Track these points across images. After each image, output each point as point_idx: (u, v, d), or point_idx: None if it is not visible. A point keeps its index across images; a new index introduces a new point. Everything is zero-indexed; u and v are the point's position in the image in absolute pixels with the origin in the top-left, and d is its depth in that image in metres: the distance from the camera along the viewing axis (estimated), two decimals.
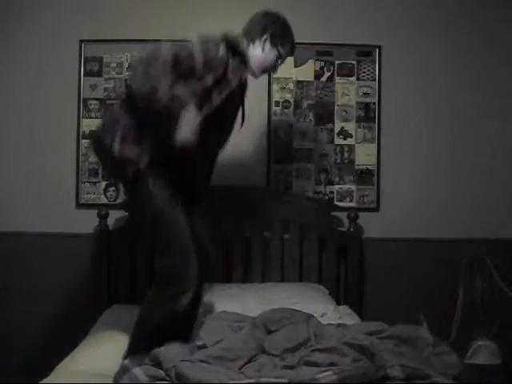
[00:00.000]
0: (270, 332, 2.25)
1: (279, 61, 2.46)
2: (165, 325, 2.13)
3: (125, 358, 2.10)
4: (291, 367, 1.89)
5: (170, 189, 2.21)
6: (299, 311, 2.47)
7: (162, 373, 1.88)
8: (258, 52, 2.39)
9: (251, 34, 2.40)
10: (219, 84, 2.23)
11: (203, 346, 2.05)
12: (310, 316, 2.41)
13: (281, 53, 2.42)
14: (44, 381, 2.00)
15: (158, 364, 1.92)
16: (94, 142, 2.36)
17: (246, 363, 1.95)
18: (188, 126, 2.08)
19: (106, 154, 2.25)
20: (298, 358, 1.95)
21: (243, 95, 2.49)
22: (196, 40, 2.24)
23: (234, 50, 2.29)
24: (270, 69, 2.50)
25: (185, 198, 2.26)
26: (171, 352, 1.95)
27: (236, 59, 2.29)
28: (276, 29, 2.40)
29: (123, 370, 1.90)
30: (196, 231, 2.27)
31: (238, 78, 2.31)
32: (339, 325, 2.34)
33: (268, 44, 2.39)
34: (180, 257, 2.15)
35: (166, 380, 1.85)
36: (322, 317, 2.75)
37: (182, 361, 1.88)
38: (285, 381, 1.77)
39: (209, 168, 2.50)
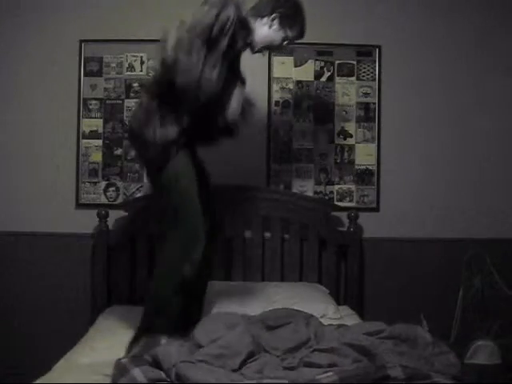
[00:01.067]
0: (268, 328, 2.25)
1: (285, 42, 2.42)
2: (174, 294, 2.24)
3: (138, 333, 2.23)
4: (292, 368, 1.89)
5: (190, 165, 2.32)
6: (299, 311, 2.46)
7: (161, 373, 1.87)
8: (265, 29, 2.36)
9: (261, 10, 2.37)
10: (229, 46, 2.24)
11: (199, 346, 2.05)
12: (310, 316, 2.40)
13: (288, 35, 2.39)
14: (41, 380, 1.99)
15: (156, 363, 1.91)
16: (130, 133, 2.44)
17: (246, 360, 1.95)
18: (236, 104, 2.28)
19: (140, 143, 2.33)
20: (298, 358, 1.95)
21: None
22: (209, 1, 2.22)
23: (240, 14, 2.26)
24: (273, 48, 2.48)
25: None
26: (170, 351, 1.94)
27: (240, 23, 2.28)
28: (287, 9, 2.36)
29: (122, 370, 1.87)
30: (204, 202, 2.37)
31: (242, 42, 2.33)
32: (340, 325, 2.33)
33: (276, 23, 2.36)
34: (191, 232, 2.27)
35: (165, 381, 1.84)
36: (322, 317, 2.76)
37: (182, 361, 1.87)
38: (285, 382, 1.77)
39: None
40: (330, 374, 1.77)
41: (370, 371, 1.78)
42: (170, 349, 1.97)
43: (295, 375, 1.82)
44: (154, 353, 1.95)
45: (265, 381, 1.79)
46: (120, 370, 1.88)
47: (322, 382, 1.74)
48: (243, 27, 2.31)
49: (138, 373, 1.83)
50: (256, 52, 2.46)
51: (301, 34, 2.45)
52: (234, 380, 1.79)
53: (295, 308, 2.64)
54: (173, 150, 2.26)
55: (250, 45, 2.42)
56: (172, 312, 2.26)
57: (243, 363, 1.94)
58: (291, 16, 2.37)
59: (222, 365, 1.89)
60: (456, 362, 2.04)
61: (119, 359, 1.97)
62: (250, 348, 1.99)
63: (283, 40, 2.41)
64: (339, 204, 3.32)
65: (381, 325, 2.24)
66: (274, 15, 2.35)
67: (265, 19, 2.36)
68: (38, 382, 1.96)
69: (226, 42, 2.20)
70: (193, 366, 1.85)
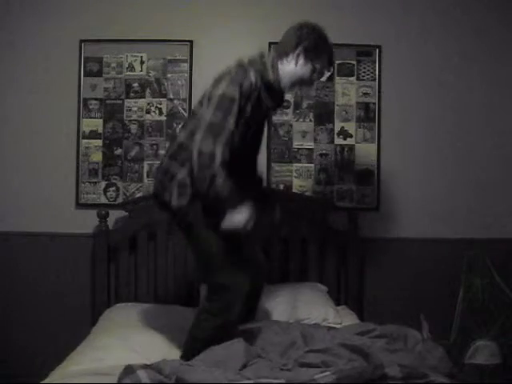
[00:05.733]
0: (257, 332, 2.26)
1: (315, 75, 2.38)
2: (212, 338, 2.17)
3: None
4: (288, 370, 1.89)
5: (221, 233, 2.23)
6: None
7: (163, 378, 1.90)
8: (291, 66, 2.33)
9: (284, 48, 2.33)
10: (254, 110, 2.24)
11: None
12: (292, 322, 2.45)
13: (316, 67, 2.34)
14: (45, 381, 2.00)
15: (159, 371, 1.94)
16: (156, 201, 2.40)
17: (243, 368, 1.97)
18: (240, 217, 2.14)
19: (167, 209, 2.30)
20: (293, 360, 1.95)
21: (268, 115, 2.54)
22: (228, 70, 2.23)
23: (262, 76, 2.26)
24: (304, 84, 2.43)
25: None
26: (171, 362, 1.98)
27: (264, 85, 2.28)
28: (310, 42, 2.31)
29: (128, 371, 1.91)
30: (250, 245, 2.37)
31: (268, 103, 2.31)
32: (330, 327, 2.34)
33: (302, 58, 2.32)
34: (230, 281, 2.19)
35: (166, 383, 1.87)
36: (323, 322, 2.76)
37: (181, 365, 1.91)
38: (283, 381, 1.77)
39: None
40: (327, 373, 1.77)
41: (367, 370, 1.79)
42: (169, 360, 2.01)
43: (292, 375, 1.82)
44: (156, 364, 1.98)
45: (262, 380, 1.79)
46: (127, 370, 1.92)
47: (320, 381, 1.74)
48: (269, 89, 2.29)
49: (143, 374, 1.86)
50: (288, 92, 2.44)
51: (329, 64, 2.40)
52: (232, 380, 1.80)
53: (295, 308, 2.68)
54: (189, 212, 2.24)
55: (278, 106, 2.44)
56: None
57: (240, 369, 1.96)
58: (316, 47, 2.32)
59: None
60: (445, 356, 2.05)
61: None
62: (247, 357, 2.01)
63: (312, 73, 2.35)
64: (339, 204, 3.32)
65: (369, 325, 2.26)
66: (298, 50, 2.30)
67: (290, 56, 2.31)
68: (42, 383, 1.97)
69: (250, 108, 2.21)
70: (191, 368, 1.87)
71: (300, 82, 2.40)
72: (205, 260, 2.30)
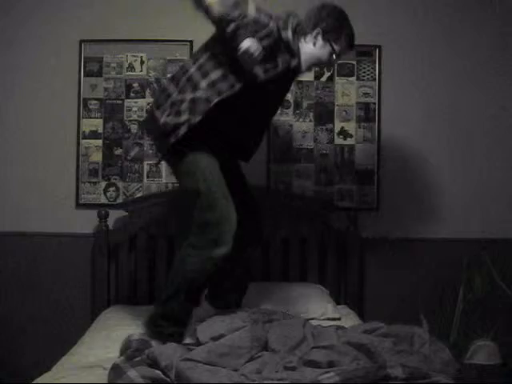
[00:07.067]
0: (268, 322, 2.25)
1: (333, 56, 2.36)
2: (199, 272, 2.21)
3: (158, 309, 2.26)
4: (292, 368, 1.87)
5: (211, 156, 2.27)
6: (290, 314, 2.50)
7: (158, 373, 1.84)
8: (309, 47, 2.32)
9: (304, 28, 2.31)
10: (271, 55, 2.21)
11: (198, 344, 2.05)
12: (305, 318, 2.43)
13: (334, 49, 2.33)
14: (39, 380, 1.99)
15: (154, 362, 1.89)
16: (148, 116, 2.43)
17: (248, 361, 1.94)
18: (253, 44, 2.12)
19: (155, 126, 2.30)
20: (298, 357, 1.94)
21: (290, 82, 2.49)
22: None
23: (280, 33, 2.24)
24: (322, 65, 2.43)
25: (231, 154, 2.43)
26: (168, 350, 1.93)
27: (283, 42, 2.26)
28: (329, 23, 2.30)
29: (118, 372, 1.84)
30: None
31: (286, 62, 2.28)
32: (338, 327, 2.33)
33: (320, 39, 2.31)
34: (219, 214, 2.20)
35: (163, 381, 1.82)
36: (321, 316, 2.76)
37: (182, 360, 1.85)
38: (287, 382, 1.76)
39: (259, 130, 2.55)
40: (331, 374, 1.76)
41: (370, 371, 1.78)
42: (167, 347, 1.97)
43: (296, 376, 1.80)
44: (150, 351, 1.94)
45: (266, 382, 1.77)
46: (116, 371, 1.86)
47: (324, 382, 1.73)
48: (285, 49, 2.27)
49: (133, 374, 1.80)
50: (305, 71, 2.42)
51: (348, 47, 2.38)
52: (236, 381, 1.78)
53: (295, 307, 2.67)
54: (178, 133, 2.21)
55: (294, 70, 2.38)
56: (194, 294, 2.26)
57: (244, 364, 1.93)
58: (335, 29, 2.31)
59: (224, 364, 1.88)
60: (451, 359, 2.04)
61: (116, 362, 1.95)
62: (253, 350, 1.99)
63: (330, 54, 2.34)
64: (339, 204, 3.32)
65: (377, 323, 2.25)
66: (316, 31, 2.30)
67: (308, 37, 2.31)
68: (36, 381, 1.96)
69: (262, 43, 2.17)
70: (193, 365, 1.83)
71: (318, 64, 2.40)
72: (192, 188, 2.25)
